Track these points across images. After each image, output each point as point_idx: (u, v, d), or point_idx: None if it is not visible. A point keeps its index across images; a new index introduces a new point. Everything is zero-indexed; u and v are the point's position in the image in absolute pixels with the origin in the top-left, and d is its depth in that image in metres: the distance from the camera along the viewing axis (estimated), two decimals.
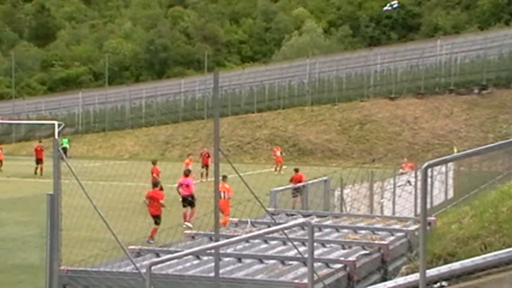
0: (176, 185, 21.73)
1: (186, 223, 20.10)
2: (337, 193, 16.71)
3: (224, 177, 19.26)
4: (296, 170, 24.45)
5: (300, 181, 22.86)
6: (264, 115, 57.90)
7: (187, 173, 22.18)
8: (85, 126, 64.21)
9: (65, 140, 53.13)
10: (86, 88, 74.88)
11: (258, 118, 57.66)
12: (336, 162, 48.15)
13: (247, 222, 12.25)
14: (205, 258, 9.52)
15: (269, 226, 11.15)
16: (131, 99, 66.26)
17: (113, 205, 21.02)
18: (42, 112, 67.73)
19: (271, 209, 13.31)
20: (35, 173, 38.29)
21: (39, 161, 38.73)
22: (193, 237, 11.26)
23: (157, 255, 9.70)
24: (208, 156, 35.95)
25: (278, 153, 43.16)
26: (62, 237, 8.96)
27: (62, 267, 8.87)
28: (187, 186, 21.28)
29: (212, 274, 8.14)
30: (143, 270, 8.13)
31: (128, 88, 69.42)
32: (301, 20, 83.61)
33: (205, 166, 35.97)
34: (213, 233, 10.82)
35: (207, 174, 35.23)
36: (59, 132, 56.16)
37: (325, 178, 16.79)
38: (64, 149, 52.04)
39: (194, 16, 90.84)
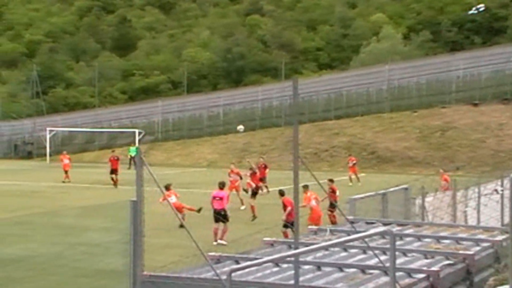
0: (211, 197, 20.41)
1: (219, 240, 19.13)
2: (418, 201, 16.35)
3: (306, 186, 18.63)
4: (331, 181, 22.67)
5: (334, 193, 22.17)
6: (341, 122, 57.48)
7: (221, 186, 20.74)
8: (164, 134, 65.37)
9: (132, 149, 54.29)
10: (165, 97, 76.28)
11: (335, 126, 57.29)
12: (416, 170, 47.22)
13: (326, 230, 12.16)
14: (285, 265, 9.48)
15: (348, 234, 11.01)
16: (208, 107, 67.07)
17: (191, 212, 21.35)
18: (123, 121, 69.40)
19: (350, 217, 13.16)
20: (115, 185, 36.56)
21: (114, 171, 37.17)
22: (272, 245, 11.24)
23: (237, 262, 9.73)
24: (265, 168, 34.27)
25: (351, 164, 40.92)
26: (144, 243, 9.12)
27: (144, 273, 9.02)
28: (221, 199, 20.00)
29: (292, 282, 8.09)
30: (224, 277, 8.17)
31: (206, 96, 70.33)
32: (379, 26, 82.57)
33: (262, 178, 33.43)
34: (292, 240, 10.79)
35: (266, 187, 32.39)
36: (139, 140, 57.42)
37: (405, 186, 16.47)
38: (132, 158, 53.24)
39: (271, 24, 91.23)
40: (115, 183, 36.41)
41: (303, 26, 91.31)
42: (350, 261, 10.03)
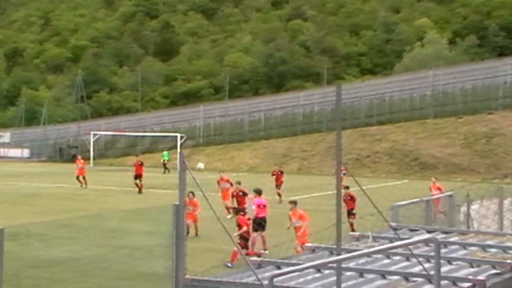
0: (253, 205, 19.84)
1: (264, 251, 18.40)
2: (463, 209, 16.06)
3: (294, 202, 18.19)
4: (347, 188, 21.91)
5: (352, 200, 21.77)
6: (383, 128, 56.98)
7: (260, 192, 20.12)
8: (205, 139, 65.71)
9: (165, 153, 54.73)
10: (207, 102, 76.72)
11: (377, 131, 56.82)
12: (461, 177, 46.50)
13: (368, 236, 12.00)
14: (327, 272, 9.38)
15: (391, 241, 10.85)
16: (250, 112, 67.19)
17: (233, 218, 21.35)
18: (165, 125, 69.99)
19: (393, 224, 12.98)
20: (139, 191, 35.78)
21: (138, 176, 36.35)
22: (313, 250, 11.14)
23: (278, 268, 9.67)
24: (281, 174, 33.58)
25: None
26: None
27: (186, 276, 9.03)
28: (264, 206, 19.74)
29: None
30: (265, 282, 8.12)
31: (247, 101, 70.49)
32: (423, 31, 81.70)
33: (278, 185, 33.03)
34: (334, 246, 10.68)
35: (279, 194, 31.71)
36: (181, 145, 57.82)
37: (450, 193, 16.18)
38: (165, 162, 53.66)
39: (313, 29, 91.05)
40: (139, 188, 35.75)
41: (345, 31, 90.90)
42: (393, 268, 9.87)
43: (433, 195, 24.84)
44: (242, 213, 18.87)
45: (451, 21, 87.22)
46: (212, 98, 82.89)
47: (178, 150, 56.31)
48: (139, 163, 37.31)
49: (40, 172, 50.86)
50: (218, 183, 28.39)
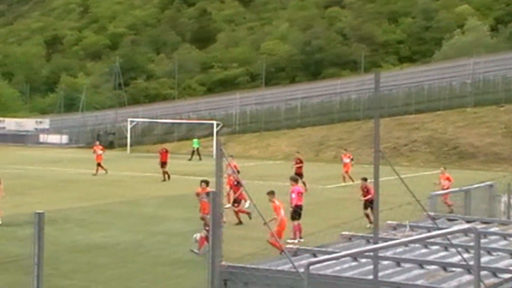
0: (292, 193, 19.55)
1: (300, 239, 18.50)
2: (504, 199, 15.79)
3: (272, 193, 17.79)
4: (365, 180, 21.70)
5: (368, 192, 21.26)
6: (422, 116, 56.28)
7: (296, 180, 20.03)
8: (241, 126, 65.74)
9: (195, 141, 54.93)
10: (243, 89, 76.71)
11: (415, 120, 56.17)
12: (501, 166, 45.70)
13: (406, 225, 11.88)
14: (363, 260, 9.31)
15: (429, 231, 10.72)
16: (286, 100, 66.99)
17: (266, 205, 21.34)
18: (202, 112, 70.24)
19: (431, 213, 12.82)
20: (164, 179, 35.02)
21: (163, 164, 35.73)
22: (350, 239, 11.07)
23: (314, 255, 9.63)
24: (301, 162, 32.56)
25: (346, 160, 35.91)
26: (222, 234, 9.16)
27: (222, 263, 9.04)
28: (302, 194, 19.60)
29: (371, 277, 7.93)
30: (301, 269, 8.09)
31: (283, 89, 70.30)
32: (464, 18, 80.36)
33: (299, 174, 31.45)
34: (370, 235, 10.59)
35: (304, 183, 30.14)
36: (217, 132, 57.95)
37: (490, 183, 15.93)
38: (194, 150, 53.84)
39: (351, 16, 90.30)
40: (168, 175, 35.21)
41: (384, 19, 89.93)
42: (431, 258, 9.75)
43: (442, 185, 24.53)
44: (236, 204, 18.84)
45: (493, 8, 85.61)
46: (248, 85, 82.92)
47: (214, 137, 56.49)
48: (164, 150, 37.02)
49: (78, 158, 51.52)
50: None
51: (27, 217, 19.41)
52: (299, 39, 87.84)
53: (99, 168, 37.51)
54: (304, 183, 29.74)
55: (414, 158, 51.22)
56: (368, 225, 19.95)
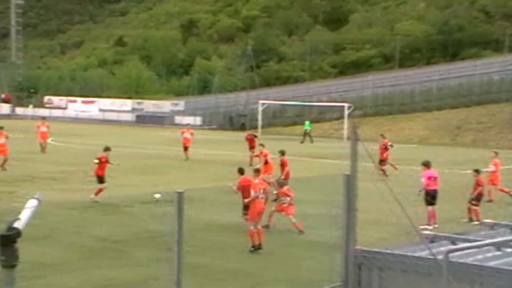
0: (423, 178, 18.94)
1: (434, 225, 18.07)
2: None
3: (257, 170, 17.86)
4: (477, 172, 20.14)
5: (480, 185, 19.95)
6: None
7: (428, 164, 19.34)
8: (373, 109, 64.73)
9: (307, 123, 54.38)
10: (376, 71, 75.40)
11: None
12: None
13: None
14: (508, 250, 8.81)
15: None
16: (421, 81, 65.18)
17: (399, 189, 20.83)
18: (333, 95, 69.81)
19: None
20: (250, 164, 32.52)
21: (252, 148, 34.22)
22: (492, 227, 10.53)
23: (453, 243, 9.25)
24: (386, 148, 31.10)
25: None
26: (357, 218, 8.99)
27: (357, 247, 8.88)
28: (435, 178, 19.00)
29: None
30: (440, 256, 7.79)
31: (419, 71, 68.44)
32: None
33: (383, 160, 30.35)
34: None
35: (393, 166, 30.55)
36: (348, 115, 57.39)
37: None
38: (306, 132, 53.28)
39: None
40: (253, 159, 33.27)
41: None
42: None
43: (492, 171, 22.77)
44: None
45: None
46: (381, 67, 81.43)
47: (345, 120, 55.98)
48: (253, 135, 36.36)
49: (212, 139, 52.82)
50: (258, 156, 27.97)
51: (164, 196, 20.09)
52: (437, 18, 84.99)
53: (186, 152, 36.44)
54: (393, 166, 30.21)
55: None
56: (465, 220, 19.05)
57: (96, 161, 22.44)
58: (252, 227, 15.28)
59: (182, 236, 7.07)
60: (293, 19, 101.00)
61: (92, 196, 21.62)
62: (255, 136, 36.85)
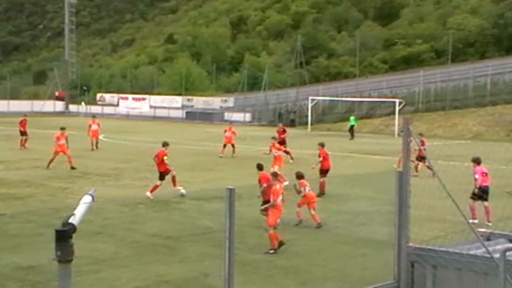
0: (477, 174, 18.66)
1: (488, 223, 17.76)
2: None
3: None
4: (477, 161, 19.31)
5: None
6: None
7: (479, 161, 19.04)
8: (425, 105, 63.77)
9: (352, 119, 53.65)
10: (428, 66, 74.26)
11: None
12: None
13: None
14: None
15: None
16: (474, 76, 63.92)
17: (451, 186, 20.43)
18: (383, 90, 68.99)
19: None
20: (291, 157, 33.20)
21: (282, 143, 33.42)
22: None
23: (510, 241, 9.00)
24: (423, 144, 30.30)
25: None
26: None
27: (409, 244, 8.73)
28: (487, 174, 18.76)
29: None
30: (496, 255, 7.59)
31: (472, 66, 67.13)
32: None
33: (422, 157, 30.33)
34: None
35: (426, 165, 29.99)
36: (399, 110, 56.67)
37: None
38: (352, 127, 52.51)
39: None
40: (288, 154, 33.52)
41: None
42: None
43: None
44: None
45: None
46: (433, 62, 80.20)
47: (396, 116, 55.31)
48: (282, 129, 36.66)
49: (261, 136, 52.84)
50: (270, 150, 28.09)
51: (214, 192, 20.19)
52: (491, 11, 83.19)
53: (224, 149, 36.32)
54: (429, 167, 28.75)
55: None
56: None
57: (166, 158, 22.27)
58: (271, 231, 15.14)
59: (233, 233, 7.05)
60: (342, 15, 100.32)
61: (148, 193, 21.69)
62: (285, 130, 37.03)
